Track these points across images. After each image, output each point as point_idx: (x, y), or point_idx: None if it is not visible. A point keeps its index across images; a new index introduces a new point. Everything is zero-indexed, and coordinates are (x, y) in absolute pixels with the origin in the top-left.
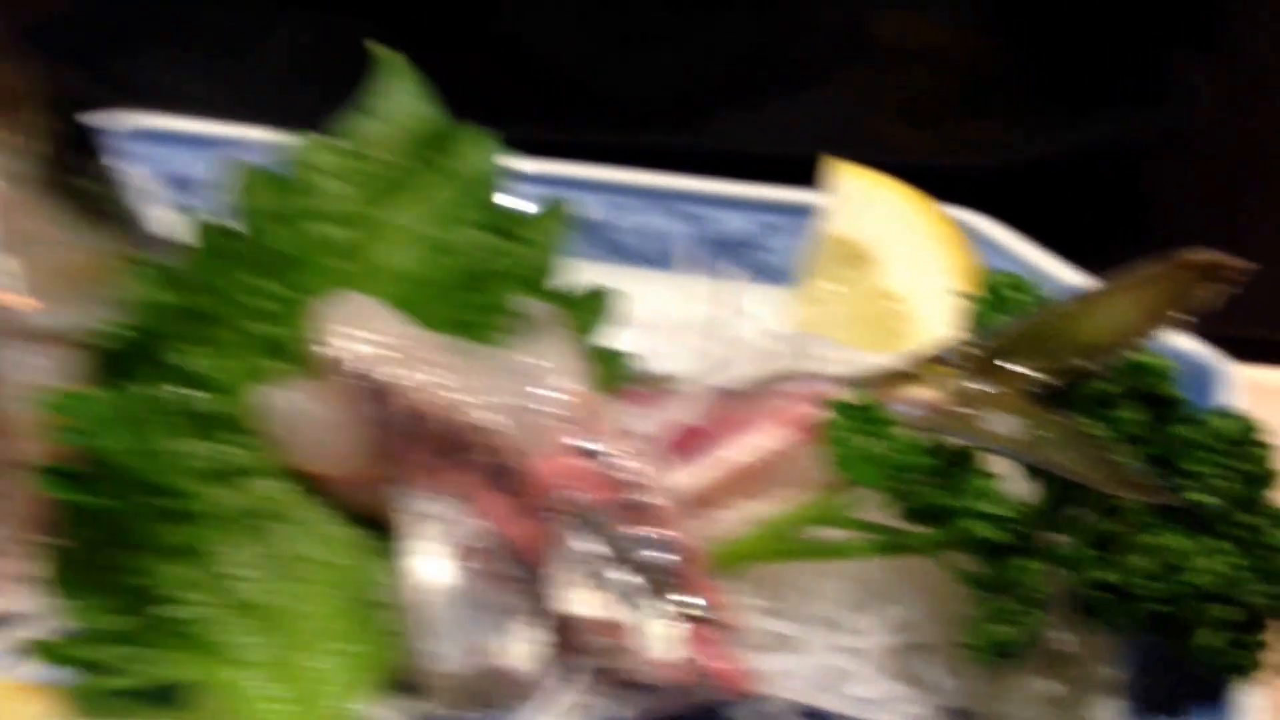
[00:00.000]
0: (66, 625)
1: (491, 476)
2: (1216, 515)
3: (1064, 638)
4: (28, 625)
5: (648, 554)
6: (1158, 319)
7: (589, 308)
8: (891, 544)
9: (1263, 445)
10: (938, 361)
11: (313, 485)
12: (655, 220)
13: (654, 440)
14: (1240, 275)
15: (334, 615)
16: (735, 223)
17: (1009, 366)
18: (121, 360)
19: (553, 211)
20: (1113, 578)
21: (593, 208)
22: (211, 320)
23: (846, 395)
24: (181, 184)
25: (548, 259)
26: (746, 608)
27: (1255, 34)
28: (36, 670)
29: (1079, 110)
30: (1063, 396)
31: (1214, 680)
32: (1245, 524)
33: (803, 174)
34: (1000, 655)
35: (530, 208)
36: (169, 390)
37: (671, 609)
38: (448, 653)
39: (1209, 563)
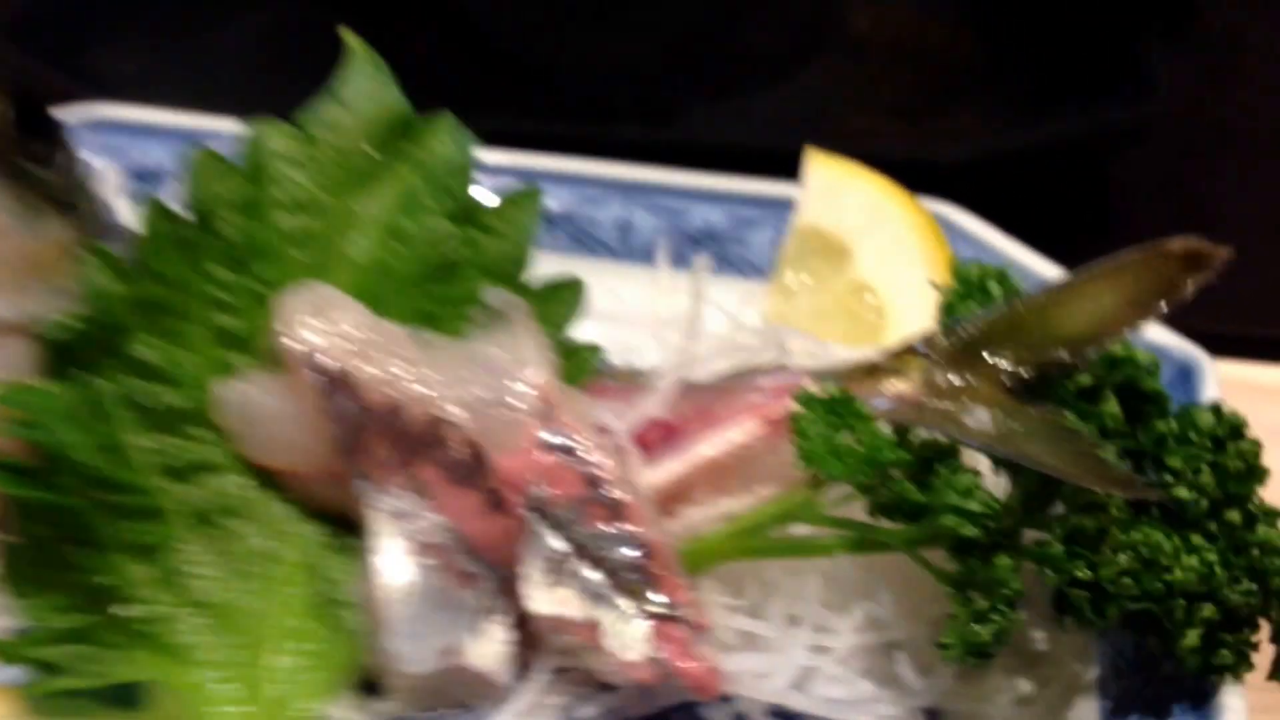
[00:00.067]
0: (20, 624)
1: (455, 472)
2: (1196, 512)
3: (1040, 636)
4: None
5: (615, 551)
6: (1138, 309)
7: (558, 300)
8: (864, 541)
9: (1244, 441)
10: (911, 353)
11: (274, 481)
12: (626, 213)
13: (623, 435)
14: (1221, 262)
15: (295, 613)
16: (707, 215)
17: (985, 358)
18: (76, 352)
19: (521, 201)
20: (1090, 575)
21: (563, 200)
22: (169, 312)
23: (816, 388)
24: (146, 176)
25: (516, 250)
26: (716, 606)
27: (1224, 25)
28: None
29: (1051, 102)
30: (1041, 389)
31: (1193, 680)
32: (1225, 521)
33: (776, 166)
34: (975, 654)
35: (497, 200)
36: (125, 383)
37: (639, 607)
38: (410, 651)
39: (1188, 560)
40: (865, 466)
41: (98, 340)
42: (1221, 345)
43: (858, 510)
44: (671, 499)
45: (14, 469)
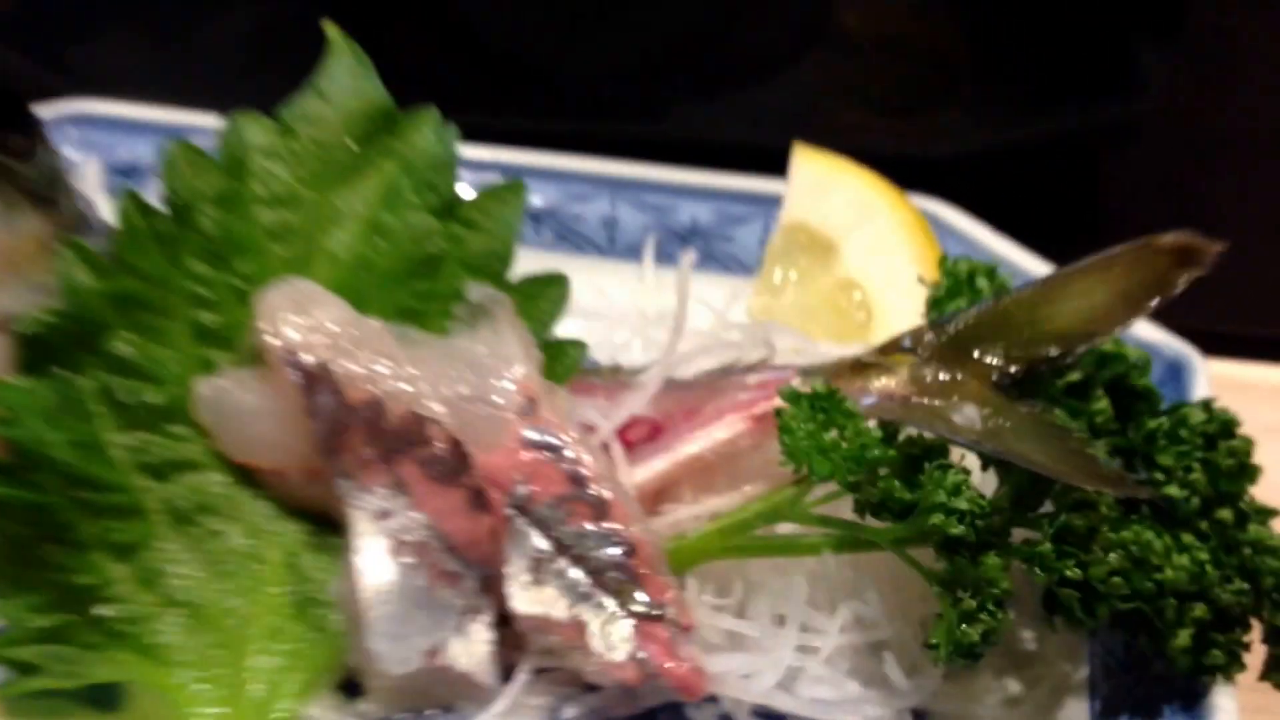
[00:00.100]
0: None
1: (437, 470)
2: (1187, 511)
3: (1029, 636)
4: None
5: (599, 550)
6: (1129, 304)
7: (542, 297)
8: (851, 539)
9: (1235, 439)
10: (899, 350)
11: (254, 479)
12: (612, 209)
13: (607, 433)
14: (1212, 257)
15: (275, 613)
16: (695, 212)
17: (973, 355)
18: (54, 349)
19: (504, 195)
20: (1080, 574)
21: (549, 197)
22: (148, 308)
23: (802, 385)
24: (127, 171)
25: (500, 245)
26: (701, 605)
27: (1215, 23)
28: None
29: (1042, 98)
30: (1030, 386)
31: (1184, 680)
32: (1216, 520)
33: (765, 162)
34: (963, 654)
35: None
36: (104, 380)
37: (623, 607)
38: (391, 651)
39: (1179, 559)
40: (852, 464)
41: (76, 336)
42: (1213, 344)
43: (845, 509)
44: (656, 497)
45: None
